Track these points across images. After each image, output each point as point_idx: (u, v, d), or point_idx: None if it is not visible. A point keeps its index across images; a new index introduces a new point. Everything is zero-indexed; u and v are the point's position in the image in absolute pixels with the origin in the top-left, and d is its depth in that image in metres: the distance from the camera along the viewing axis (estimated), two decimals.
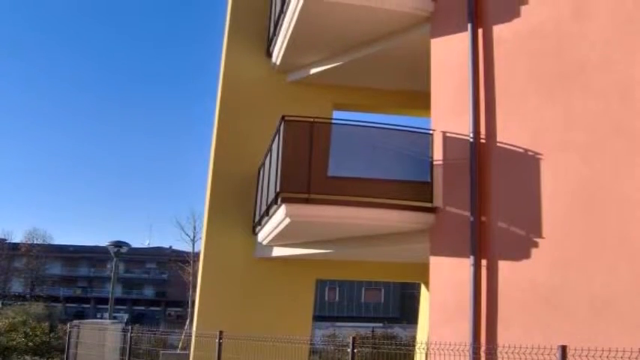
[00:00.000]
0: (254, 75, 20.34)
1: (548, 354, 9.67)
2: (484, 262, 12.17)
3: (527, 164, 11.68)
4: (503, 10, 12.88)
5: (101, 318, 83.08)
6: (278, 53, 18.84)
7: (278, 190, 14.02)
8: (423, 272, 14.92)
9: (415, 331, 24.43)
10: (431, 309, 13.67)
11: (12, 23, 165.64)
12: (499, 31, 12.88)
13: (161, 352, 24.13)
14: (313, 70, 18.98)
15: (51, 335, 33.30)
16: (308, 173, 13.96)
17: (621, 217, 9.92)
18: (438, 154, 13.91)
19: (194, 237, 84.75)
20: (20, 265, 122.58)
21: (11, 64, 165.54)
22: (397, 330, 63.49)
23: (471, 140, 12.79)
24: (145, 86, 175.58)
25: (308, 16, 15.66)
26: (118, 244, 28.87)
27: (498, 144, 12.40)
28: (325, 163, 14.53)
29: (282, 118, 14.30)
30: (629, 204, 9.83)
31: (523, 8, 12.43)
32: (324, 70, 18.59)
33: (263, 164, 17.21)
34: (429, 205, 13.91)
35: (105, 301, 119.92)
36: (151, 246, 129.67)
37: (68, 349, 24.00)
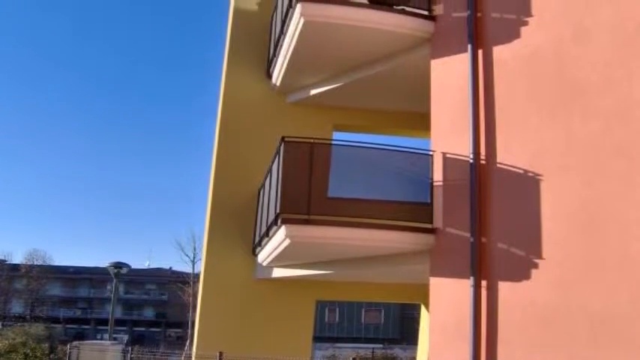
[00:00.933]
0: (254, 96, 20.37)
1: None
2: (484, 282, 12.16)
3: (527, 185, 11.67)
4: (504, 32, 12.91)
5: (101, 339, 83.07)
6: (278, 74, 18.86)
7: (278, 211, 14.01)
8: (423, 293, 14.92)
9: (415, 353, 24.39)
10: (431, 330, 13.65)
11: (8, 43, 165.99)
12: (499, 52, 12.91)
13: None
14: (313, 91, 19.00)
15: (51, 356, 33.15)
16: (308, 194, 13.96)
17: (621, 238, 9.90)
18: (437, 175, 13.92)
19: (194, 258, 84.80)
20: (20, 286, 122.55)
21: (9, 84, 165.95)
22: (397, 351, 63.42)
23: (471, 161, 12.80)
24: (145, 107, 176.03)
25: (308, 38, 15.70)
26: (118, 265, 28.87)
27: (498, 165, 12.40)
28: (325, 184, 14.54)
29: (282, 139, 14.31)
30: (629, 225, 9.82)
31: (523, 29, 12.46)
32: (324, 91, 18.61)
33: (263, 185, 17.21)
34: (428, 226, 13.91)
35: (105, 322, 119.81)
36: (151, 267, 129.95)
37: None
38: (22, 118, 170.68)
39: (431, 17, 15.05)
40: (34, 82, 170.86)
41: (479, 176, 12.68)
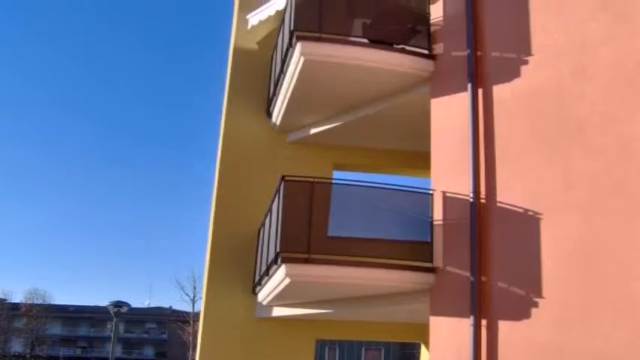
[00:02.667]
0: (254, 135, 20.35)
1: None
2: (484, 322, 12.10)
3: (527, 224, 11.64)
4: (503, 70, 12.93)
5: None
6: (278, 113, 18.86)
7: (278, 250, 13.98)
8: (423, 332, 14.85)
9: None
10: None
11: (10, 83, 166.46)
12: (499, 90, 12.92)
13: None
14: (313, 130, 19.01)
15: None
16: (308, 233, 13.93)
17: (622, 276, 9.86)
18: (438, 214, 13.90)
19: (194, 297, 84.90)
20: (20, 325, 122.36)
21: (9, 124, 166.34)
22: None
23: (471, 200, 12.78)
24: (146, 146, 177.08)
25: (308, 76, 15.71)
26: (118, 304, 28.73)
27: (498, 204, 12.38)
28: (325, 223, 14.52)
29: (282, 178, 14.31)
30: (629, 263, 9.78)
31: (523, 68, 12.48)
32: (324, 130, 18.61)
33: (263, 224, 17.18)
34: (429, 265, 13.87)
35: None
36: (151, 306, 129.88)
37: None
38: (20, 157, 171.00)
39: (431, 56, 15.11)
40: (33, 120, 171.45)
41: (479, 215, 12.66)
